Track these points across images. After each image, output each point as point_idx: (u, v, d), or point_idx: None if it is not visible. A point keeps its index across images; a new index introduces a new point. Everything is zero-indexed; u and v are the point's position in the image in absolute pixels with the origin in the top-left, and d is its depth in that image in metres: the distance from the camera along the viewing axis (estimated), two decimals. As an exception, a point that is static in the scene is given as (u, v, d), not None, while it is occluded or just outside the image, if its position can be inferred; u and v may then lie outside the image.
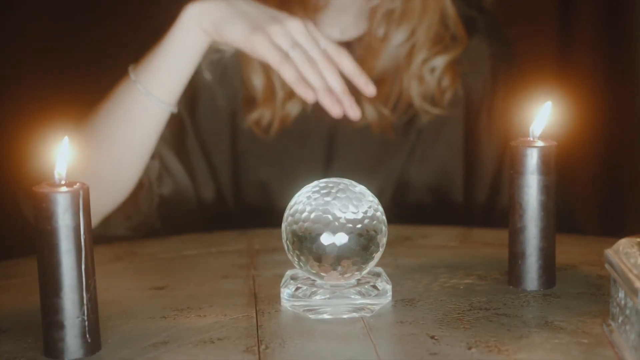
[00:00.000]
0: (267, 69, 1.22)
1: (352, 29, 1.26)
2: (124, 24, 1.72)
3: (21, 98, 1.70)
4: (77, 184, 0.73)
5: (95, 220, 1.10)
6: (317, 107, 1.22)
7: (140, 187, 1.18)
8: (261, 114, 1.23)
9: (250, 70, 1.22)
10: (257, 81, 1.22)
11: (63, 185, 0.73)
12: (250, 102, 1.23)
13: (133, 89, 1.11)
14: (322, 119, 1.23)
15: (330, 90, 1.08)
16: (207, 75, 1.24)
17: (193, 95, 1.24)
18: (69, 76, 1.69)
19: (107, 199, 1.13)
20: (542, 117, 0.87)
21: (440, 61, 1.23)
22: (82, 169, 0.79)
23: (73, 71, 1.69)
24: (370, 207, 0.83)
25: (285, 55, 1.07)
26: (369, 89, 1.10)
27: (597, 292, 0.86)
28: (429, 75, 1.23)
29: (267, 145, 1.24)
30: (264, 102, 1.22)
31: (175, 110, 1.13)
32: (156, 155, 1.19)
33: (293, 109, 1.22)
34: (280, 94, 1.22)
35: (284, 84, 1.21)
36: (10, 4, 1.71)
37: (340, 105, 1.09)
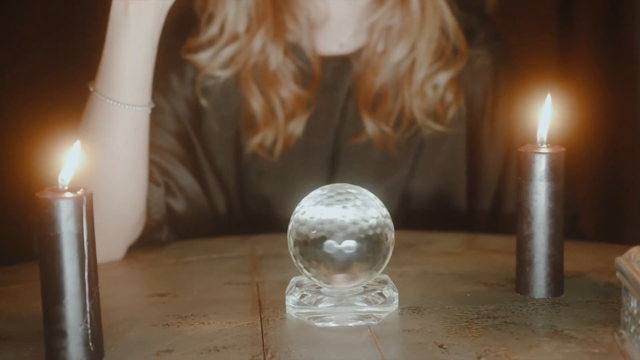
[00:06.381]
0: (265, 91, 1.20)
1: (351, 43, 1.25)
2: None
3: (23, 107, 1.70)
4: (81, 190, 0.72)
5: (121, 252, 1.06)
6: (320, 124, 1.21)
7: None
8: (264, 136, 1.21)
9: (249, 93, 1.20)
10: (256, 104, 1.20)
11: (66, 191, 0.72)
12: (252, 124, 1.22)
13: (96, 100, 1.01)
14: (324, 135, 1.21)
15: None
16: (204, 103, 1.21)
17: (198, 116, 1.22)
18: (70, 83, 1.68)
19: (123, 223, 1.05)
20: (546, 116, 0.86)
21: (442, 78, 1.21)
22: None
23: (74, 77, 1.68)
24: (377, 213, 0.82)
25: None
26: None
27: (606, 301, 0.85)
28: (432, 91, 1.22)
29: (271, 162, 1.23)
30: (264, 124, 1.20)
31: (149, 108, 1.03)
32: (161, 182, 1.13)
33: (296, 129, 1.21)
34: (280, 114, 1.20)
35: (283, 104, 1.19)
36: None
37: None
